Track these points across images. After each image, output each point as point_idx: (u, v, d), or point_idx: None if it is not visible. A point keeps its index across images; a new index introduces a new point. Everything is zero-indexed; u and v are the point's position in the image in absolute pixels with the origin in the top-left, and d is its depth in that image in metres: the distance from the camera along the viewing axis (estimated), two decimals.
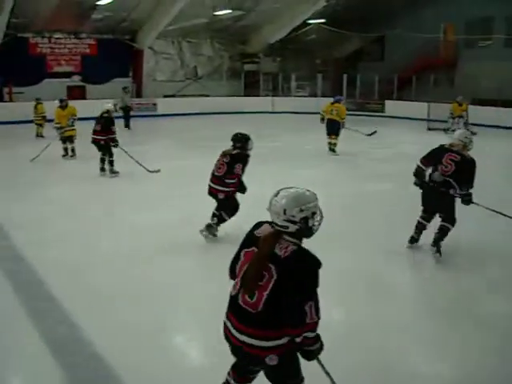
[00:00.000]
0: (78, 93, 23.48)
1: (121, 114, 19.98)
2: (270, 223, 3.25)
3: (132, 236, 8.01)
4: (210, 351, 4.84)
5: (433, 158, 6.98)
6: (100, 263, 6.90)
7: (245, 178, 7.53)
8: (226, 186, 7.37)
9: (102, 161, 12.26)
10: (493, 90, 23.58)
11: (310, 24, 28.44)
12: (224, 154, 7.47)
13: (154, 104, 25.14)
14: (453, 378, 4.54)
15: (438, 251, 6.99)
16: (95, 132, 12.14)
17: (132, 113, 21.47)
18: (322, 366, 3.36)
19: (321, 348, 3.27)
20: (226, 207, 7.55)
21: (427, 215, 7.24)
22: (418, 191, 7.01)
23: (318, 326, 3.16)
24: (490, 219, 7.71)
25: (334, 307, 5.42)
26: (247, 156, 7.43)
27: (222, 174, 7.36)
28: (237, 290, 3.25)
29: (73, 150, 14.29)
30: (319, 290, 3.13)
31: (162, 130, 21.71)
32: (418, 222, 7.33)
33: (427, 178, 7.06)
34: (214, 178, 7.47)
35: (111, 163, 12.21)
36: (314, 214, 3.20)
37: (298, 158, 14.48)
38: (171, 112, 24.33)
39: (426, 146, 10.73)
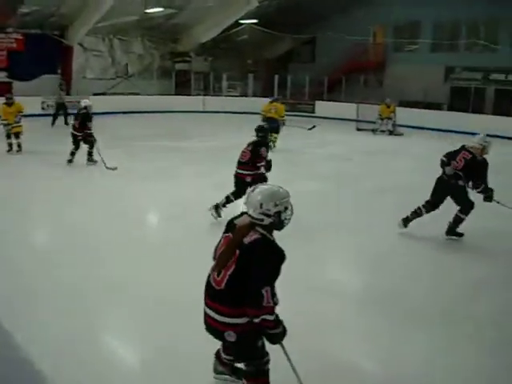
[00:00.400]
0: (4, 89, 22.60)
1: (53, 111, 20.94)
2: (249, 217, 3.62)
3: (72, 233, 7.90)
4: (149, 354, 4.82)
5: (452, 154, 7.86)
6: (33, 262, 6.72)
7: (175, 179, 7.58)
8: (253, 170, 8.42)
9: (72, 154, 12.79)
10: (419, 93, 24.29)
11: (242, 24, 28.50)
12: (248, 144, 8.70)
13: None
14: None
15: (456, 234, 7.96)
16: (74, 128, 12.86)
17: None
18: (285, 351, 3.63)
19: (283, 333, 3.60)
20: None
21: (429, 206, 8.00)
22: (348, 190, 7.16)
23: (275, 310, 3.50)
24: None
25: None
26: (267, 144, 8.89)
27: (246, 160, 8.49)
28: (212, 269, 3.65)
29: (19, 146, 14.34)
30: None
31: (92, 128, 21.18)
32: (419, 207, 8.08)
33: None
34: (240, 165, 8.58)
35: (90, 154, 12.91)
36: (286, 208, 3.61)
37: (229, 158, 14.53)
38: (101, 110, 23.79)
39: (355, 146, 11.07)
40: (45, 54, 24.27)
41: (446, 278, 6.74)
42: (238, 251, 3.50)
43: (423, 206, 8.01)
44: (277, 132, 15.69)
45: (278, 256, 3.50)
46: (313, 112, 26.98)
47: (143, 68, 28.75)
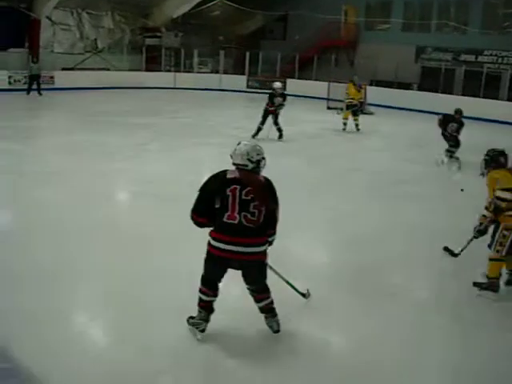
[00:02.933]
0: None
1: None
2: (236, 168, 4.49)
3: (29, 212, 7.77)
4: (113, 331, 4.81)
5: None
6: None
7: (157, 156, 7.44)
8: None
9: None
10: (390, 72, 24.38)
11: (214, 0, 28.21)
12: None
13: (52, 77, 24.00)
14: None
15: None
16: None
17: (26, 86, 21.38)
18: (272, 268, 4.84)
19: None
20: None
21: None
22: (317, 167, 7.15)
23: None
24: None
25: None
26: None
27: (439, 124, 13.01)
28: (238, 218, 4.35)
29: None
30: None
31: (60, 104, 20.86)
32: None
33: None
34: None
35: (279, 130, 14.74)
36: (263, 158, 4.55)
37: (199, 134, 14.50)
38: (70, 86, 23.47)
39: (326, 124, 11.04)
40: (11, 27, 23.68)
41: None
42: (259, 189, 4.40)
43: None
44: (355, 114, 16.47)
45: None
46: (284, 89, 26.97)
47: (113, 43, 28.30)
